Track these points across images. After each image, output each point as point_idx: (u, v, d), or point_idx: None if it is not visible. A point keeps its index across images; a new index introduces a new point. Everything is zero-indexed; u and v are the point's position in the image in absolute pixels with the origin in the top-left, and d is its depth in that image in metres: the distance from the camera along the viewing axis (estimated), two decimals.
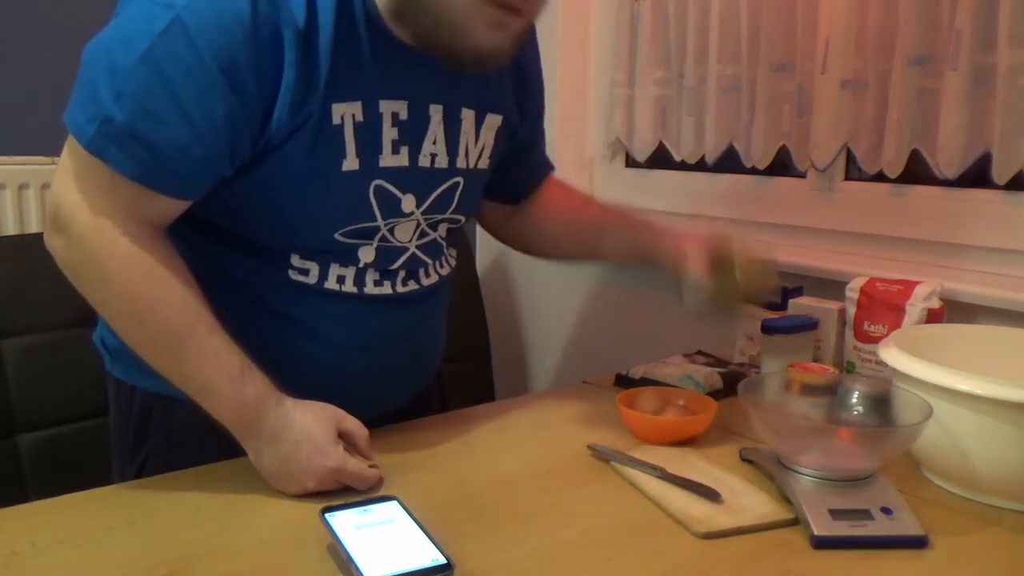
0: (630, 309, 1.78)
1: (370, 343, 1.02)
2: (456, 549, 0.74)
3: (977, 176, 1.31)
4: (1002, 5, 1.21)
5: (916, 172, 1.39)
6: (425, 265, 1.05)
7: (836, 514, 0.81)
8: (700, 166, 1.71)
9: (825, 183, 1.53)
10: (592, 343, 1.88)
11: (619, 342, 1.82)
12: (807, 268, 1.42)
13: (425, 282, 1.05)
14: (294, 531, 0.81)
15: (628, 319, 1.78)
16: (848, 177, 1.52)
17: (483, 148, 1.05)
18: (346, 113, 0.90)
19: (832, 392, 0.95)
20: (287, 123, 0.87)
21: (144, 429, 1.03)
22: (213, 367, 0.87)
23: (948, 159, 1.30)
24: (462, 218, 1.08)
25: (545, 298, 1.94)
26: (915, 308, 1.16)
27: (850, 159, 1.49)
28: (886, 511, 0.81)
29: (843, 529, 0.79)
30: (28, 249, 1.24)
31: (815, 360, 1.24)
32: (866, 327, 1.20)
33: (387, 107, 0.93)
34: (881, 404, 0.92)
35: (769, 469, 0.90)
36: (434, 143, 0.98)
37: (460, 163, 1.02)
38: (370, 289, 1.00)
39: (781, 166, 1.57)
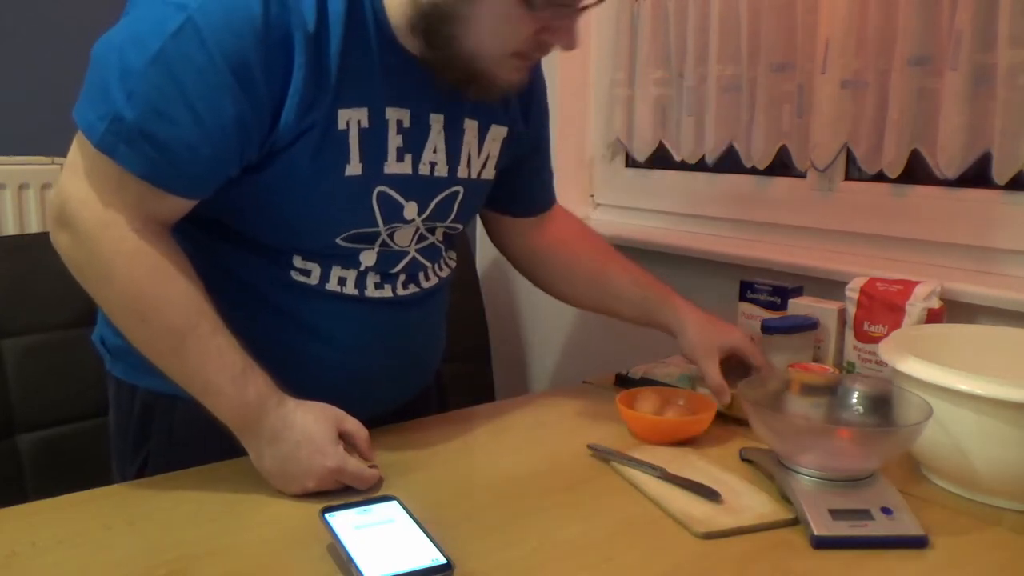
0: None
1: (371, 344, 1.02)
2: (456, 549, 0.74)
3: (977, 176, 1.31)
4: (1002, 5, 1.21)
5: (916, 172, 1.39)
6: (425, 268, 1.05)
7: (836, 514, 0.81)
8: (700, 166, 1.71)
9: (825, 183, 1.53)
10: (592, 343, 1.88)
11: (619, 342, 1.82)
12: (807, 268, 1.42)
13: (425, 285, 1.05)
14: (294, 531, 0.81)
15: None
16: (848, 177, 1.52)
17: (487, 159, 1.06)
18: (352, 119, 0.91)
19: (832, 392, 0.95)
20: (294, 125, 0.87)
21: (145, 429, 1.03)
22: (215, 366, 0.87)
23: (948, 159, 1.30)
24: (460, 226, 1.08)
25: (545, 298, 1.92)
26: (915, 308, 1.16)
27: (850, 159, 1.49)
28: (886, 511, 0.81)
29: (843, 529, 0.79)
30: (28, 249, 1.24)
31: (815, 360, 1.24)
32: (866, 327, 1.20)
33: (392, 114, 0.94)
34: (881, 404, 0.92)
35: (769, 469, 0.90)
36: (434, 152, 0.99)
37: (461, 173, 1.03)
38: (371, 292, 1.00)
39: (781, 166, 1.57)
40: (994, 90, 1.24)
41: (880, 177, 1.43)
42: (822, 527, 0.79)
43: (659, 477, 0.91)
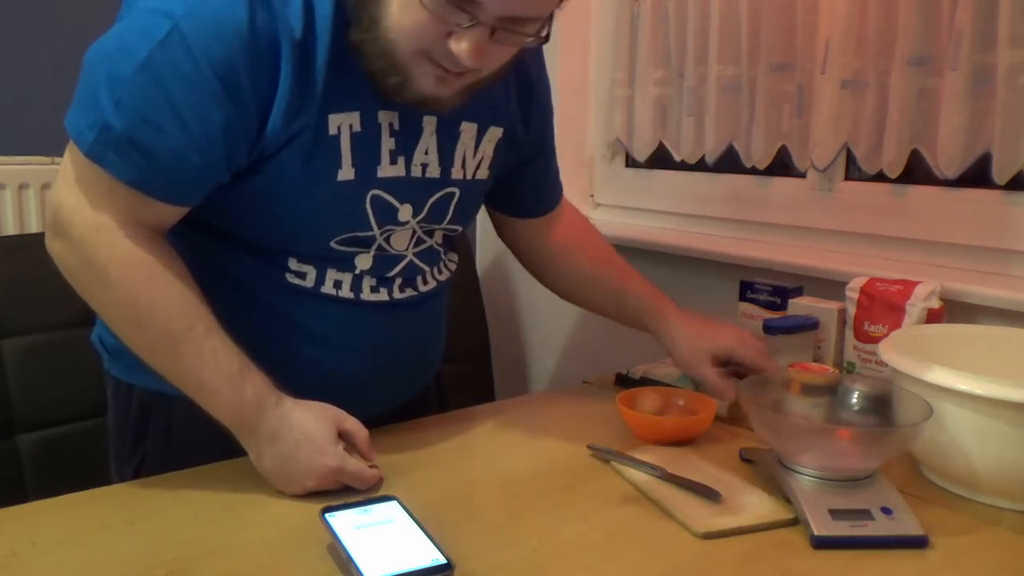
0: None
1: (367, 347, 1.02)
2: (456, 549, 0.74)
3: (977, 176, 1.31)
4: (1002, 5, 1.21)
5: (916, 172, 1.39)
6: (423, 272, 1.05)
7: (836, 514, 0.81)
8: (700, 166, 1.71)
9: (825, 183, 1.53)
10: (592, 343, 1.88)
11: (619, 342, 1.81)
12: (807, 268, 1.42)
13: (423, 288, 1.05)
14: (294, 531, 0.81)
15: None
16: (848, 177, 1.52)
17: (482, 159, 1.05)
18: (343, 124, 0.90)
19: (832, 392, 0.95)
20: (280, 132, 0.87)
21: (143, 428, 1.03)
22: (212, 367, 0.87)
23: (948, 159, 1.30)
24: (458, 228, 1.08)
25: (545, 298, 1.93)
26: (915, 308, 1.16)
27: (850, 159, 1.49)
28: (886, 511, 0.81)
29: (843, 529, 0.79)
30: (28, 249, 1.24)
31: (815, 360, 1.24)
32: (866, 327, 1.20)
33: (385, 117, 0.93)
34: (881, 404, 0.92)
35: (769, 469, 0.90)
36: (425, 153, 0.98)
37: (455, 175, 1.02)
38: (366, 295, 1.00)
39: (781, 166, 1.57)
40: (994, 90, 1.24)
41: (880, 177, 1.43)
42: (822, 527, 0.79)
43: (659, 477, 0.91)
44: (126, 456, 1.05)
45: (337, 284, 0.98)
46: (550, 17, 0.87)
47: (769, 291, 1.31)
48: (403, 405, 1.11)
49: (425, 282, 1.06)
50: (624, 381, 1.27)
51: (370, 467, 0.90)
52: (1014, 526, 0.85)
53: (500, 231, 1.26)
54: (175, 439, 1.01)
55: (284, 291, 0.97)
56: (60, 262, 0.89)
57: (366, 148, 0.93)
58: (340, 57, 0.87)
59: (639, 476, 0.92)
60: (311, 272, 0.97)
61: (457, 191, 1.03)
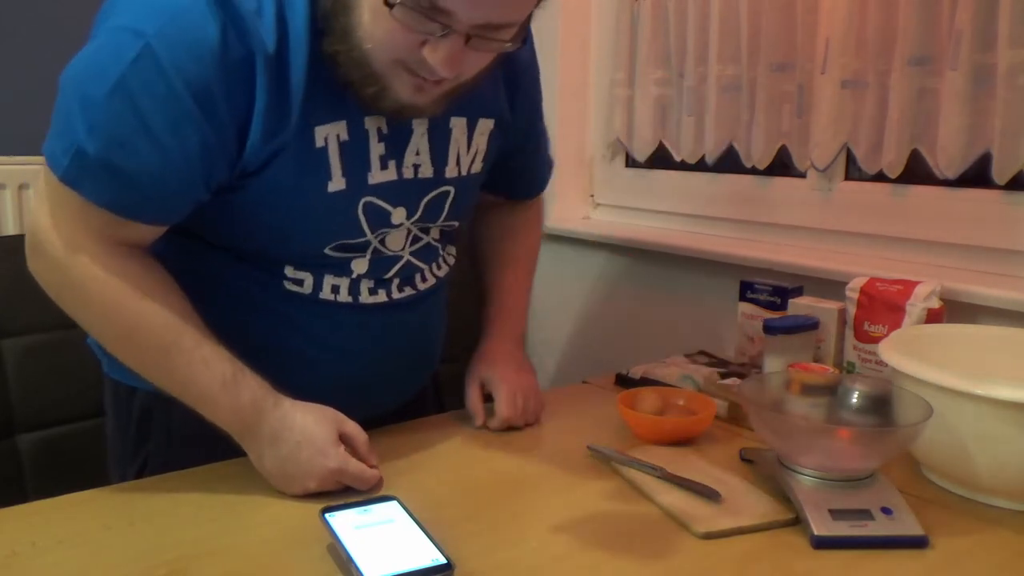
0: (630, 309, 1.78)
1: (369, 347, 1.02)
2: (456, 549, 0.74)
3: (977, 176, 1.31)
4: (1002, 5, 1.21)
5: (916, 172, 1.39)
6: (420, 270, 1.04)
7: (836, 514, 0.81)
8: (700, 166, 1.71)
9: (825, 183, 1.53)
10: (592, 343, 1.88)
11: (619, 342, 1.82)
12: (807, 268, 1.42)
13: (422, 287, 1.05)
14: (294, 531, 0.81)
15: (628, 319, 1.78)
16: (848, 177, 1.52)
17: (476, 153, 1.04)
18: (330, 134, 0.89)
19: (832, 392, 0.95)
20: (261, 148, 0.86)
21: (144, 430, 1.03)
22: (205, 376, 0.87)
23: (948, 159, 1.30)
24: (456, 223, 1.08)
25: (545, 298, 1.94)
26: (915, 308, 1.16)
27: (850, 159, 1.49)
28: (886, 511, 0.81)
29: (843, 529, 0.79)
30: None
31: (815, 360, 1.24)
32: (866, 327, 1.20)
33: (371, 123, 0.92)
34: (881, 404, 0.92)
35: (769, 469, 0.90)
36: (417, 154, 0.97)
37: (450, 172, 1.01)
38: (365, 298, 0.99)
39: (781, 166, 1.57)
40: (994, 90, 1.24)
41: (880, 177, 1.43)
42: (822, 527, 0.79)
43: (659, 477, 0.91)
44: (128, 458, 1.05)
45: (335, 289, 0.98)
46: (527, 20, 0.85)
47: (769, 291, 1.31)
48: (401, 405, 1.11)
49: (424, 279, 1.05)
50: (624, 381, 1.27)
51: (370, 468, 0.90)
52: (1014, 526, 0.85)
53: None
54: (177, 440, 1.01)
55: (282, 298, 0.96)
56: (41, 282, 0.89)
57: (355, 156, 0.92)
58: (319, 68, 0.86)
59: (639, 476, 0.92)
60: (308, 279, 0.96)
61: (452, 189, 1.02)
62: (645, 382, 1.23)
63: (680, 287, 1.67)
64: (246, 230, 0.93)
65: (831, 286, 1.34)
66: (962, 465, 0.88)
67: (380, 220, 0.96)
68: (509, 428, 1.07)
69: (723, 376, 1.22)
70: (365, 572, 0.70)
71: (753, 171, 1.60)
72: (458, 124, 1.01)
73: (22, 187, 1.71)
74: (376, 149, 0.93)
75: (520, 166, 1.18)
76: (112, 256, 0.86)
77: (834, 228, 1.51)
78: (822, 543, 0.79)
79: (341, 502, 0.81)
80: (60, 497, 0.88)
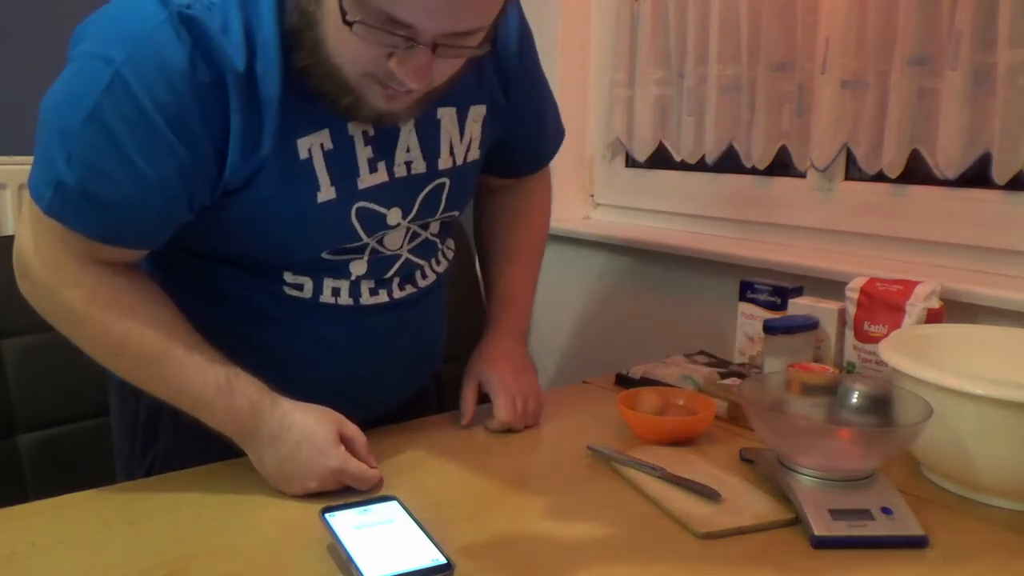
0: (630, 309, 1.78)
1: (372, 348, 1.02)
2: (456, 549, 0.74)
3: (977, 176, 1.31)
4: (1002, 5, 1.21)
5: (916, 172, 1.39)
6: (420, 268, 1.04)
7: (836, 514, 0.81)
8: (700, 166, 1.71)
9: (825, 183, 1.53)
10: (592, 343, 1.88)
11: (619, 342, 1.82)
12: (807, 268, 1.42)
13: (422, 284, 1.05)
14: (294, 531, 0.81)
15: (628, 319, 1.78)
16: (848, 177, 1.52)
17: (470, 141, 1.03)
18: (313, 145, 0.89)
19: (832, 392, 0.95)
20: (241, 166, 0.85)
21: (152, 431, 1.03)
22: (199, 383, 0.87)
23: (948, 159, 1.30)
24: (455, 213, 1.07)
25: (545, 298, 1.94)
26: (915, 308, 1.16)
27: (850, 159, 1.49)
28: (886, 511, 0.81)
29: (843, 529, 0.79)
30: None
31: (815, 360, 1.24)
32: (866, 327, 1.20)
33: (356, 128, 0.91)
34: (881, 404, 0.92)
35: (769, 469, 0.90)
36: (407, 151, 0.96)
37: (443, 164, 1.00)
38: (366, 299, 0.99)
39: (781, 166, 1.57)
40: (994, 90, 1.24)
41: (880, 177, 1.43)
42: (822, 527, 0.79)
43: (659, 477, 0.91)
44: (136, 459, 1.05)
45: (336, 292, 0.97)
46: (494, 24, 0.83)
47: (769, 291, 1.31)
48: (402, 405, 1.11)
49: (424, 276, 1.05)
50: (624, 381, 1.27)
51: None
52: (1014, 526, 0.85)
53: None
54: (186, 440, 1.00)
55: (283, 303, 0.96)
56: (31, 302, 0.90)
57: (342, 163, 0.91)
58: (293, 81, 0.85)
59: (639, 476, 0.92)
60: (308, 283, 0.96)
61: (448, 180, 1.02)
62: (645, 382, 1.23)
63: (680, 287, 1.67)
64: (238, 244, 0.93)
65: (831, 286, 1.34)
66: (962, 465, 0.88)
67: (375, 223, 0.96)
68: (508, 430, 1.07)
69: (723, 376, 1.22)
70: (365, 572, 0.70)
71: (753, 171, 1.60)
72: (447, 114, 0.99)
73: (22, 187, 1.71)
74: (363, 153, 0.93)
75: (524, 141, 1.15)
76: (96, 276, 0.87)
77: (834, 228, 1.51)
78: (822, 543, 0.79)
79: (341, 502, 0.81)
80: (60, 497, 0.88)
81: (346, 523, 0.77)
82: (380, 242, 0.98)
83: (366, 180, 0.94)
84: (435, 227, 1.05)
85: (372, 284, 0.99)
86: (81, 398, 1.25)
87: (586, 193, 1.96)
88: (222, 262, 0.95)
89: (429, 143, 0.98)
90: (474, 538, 0.80)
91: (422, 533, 0.76)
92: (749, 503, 0.86)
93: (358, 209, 0.94)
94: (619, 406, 1.06)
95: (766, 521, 0.83)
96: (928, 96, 1.33)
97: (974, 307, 1.23)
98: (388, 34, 0.77)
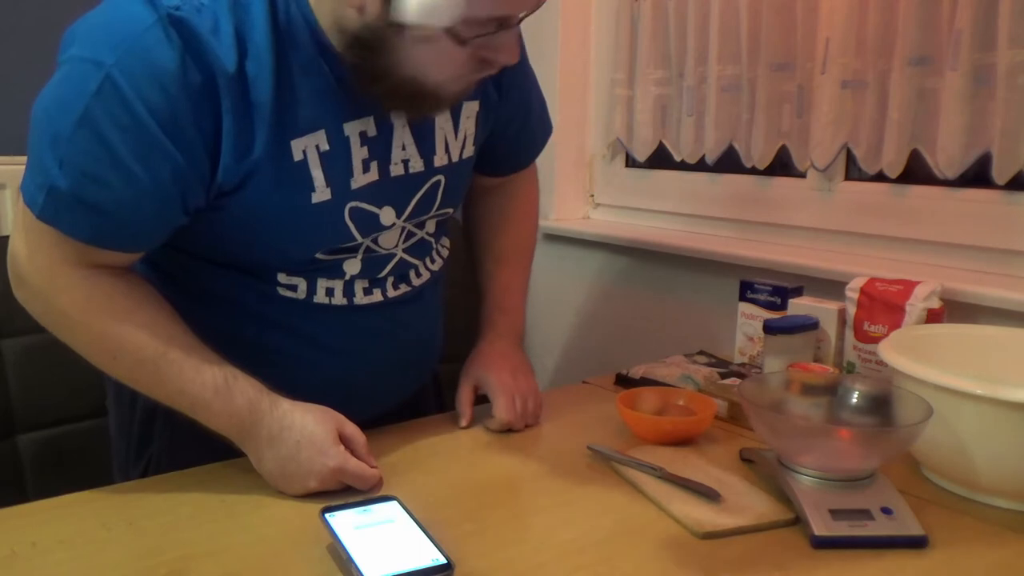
0: (630, 309, 1.78)
1: (367, 348, 1.02)
2: (456, 549, 0.74)
3: (977, 176, 1.31)
4: (1002, 5, 1.21)
5: (916, 172, 1.39)
6: (415, 267, 1.04)
7: (836, 514, 0.81)
8: (700, 166, 1.71)
9: (825, 183, 1.53)
10: (592, 343, 1.88)
11: (619, 342, 1.82)
12: (807, 268, 1.42)
13: (416, 282, 1.05)
14: (294, 531, 0.81)
15: (628, 319, 1.78)
16: (848, 177, 1.52)
17: (465, 138, 1.03)
18: (308, 146, 0.89)
19: (832, 392, 0.95)
20: (234, 168, 0.85)
21: (148, 432, 1.03)
22: (196, 385, 0.87)
23: (948, 159, 1.30)
24: (450, 210, 1.07)
25: (545, 298, 1.94)
26: (915, 308, 1.16)
27: (850, 159, 1.49)
28: (886, 511, 0.81)
29: (843, 529, 0.79)
30: None
31: (815, 360, 1.24)
32: (866, 327, 1.20)
33: (353, 128, 0.91)
34: (881, 404, 0.92)
35: (769, 469, 0.90)
36: (403, 149, 0.96)
37: (439, 161, 1.00)
38: (360, 299, 0.99)
39: (781, 166, 1.57)
40: (994, 90, 1.24)
41: (880, 177, 1.43)
42: (822, 527, 0.79)
43: (659, 477, 0.91)
44: (132, 459, 1.05)
45: (329, 292, 0.97)
46: None
47: (769, 291, 1.31)
48: (401, 405, 1.11)
49: (418, 275, 1.05)
50: (624, 381, 1.27)
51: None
52: (1014, 526, 0.85)
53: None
54: (182, 441, 1.01)
55: (276, 304, 0.96)
56: (27, 308, 0.90)
57: (338, 164, 0.91)
58: (288, 80, 0.85)
59: (639, 476, 0.92)
60: (301, 284, 0.96)
61: (443, 177, 1.02)
62: (645, 382, 1.23)
63: (680, 287, 1.67)
64: (232, 245, 0.93)
65: (831, 286, 1.34)
66: (962, 465, 0.88)
67: (369, 224, 0.96)
68: (508, 430, 1.07)
69: (723, 376, 1.22)
70: (365, 572, 0.70)
71: (753, 171, 1.60)
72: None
73: None
74: (359, 154, 0.93)
75: (512, 138, 1.15)
76: (90, 280, 0.87)
77: (834, 228, 1.51)
78: (822, 543, 0.79)
79: (341, 502, 0.81)
80: (60, 497, 0.88)
81: (346, 523, 0.77)
82: (375, 241, 0.98)
83: (359, 180, 0.94)
84: (431, 226, 1.05)
85: (366, 284, 0.99)
86: (81, 398, 1.25)
87: (586, 193, 1.96)
88: (216, 263, 0.95)
89: (424, 141, 0.98)
90: (474, 538, 0.80)
91: (422, 533, 0.76)
92: (749, 503, 0.86)
93: (351, 209, 0.94)
94: (619, 406, 1.06)
95: (766, 521, 0.83)
96: (928, 96, 1.33)
97: (974, 307, 1.23)
98: (494, 35, 0.81)
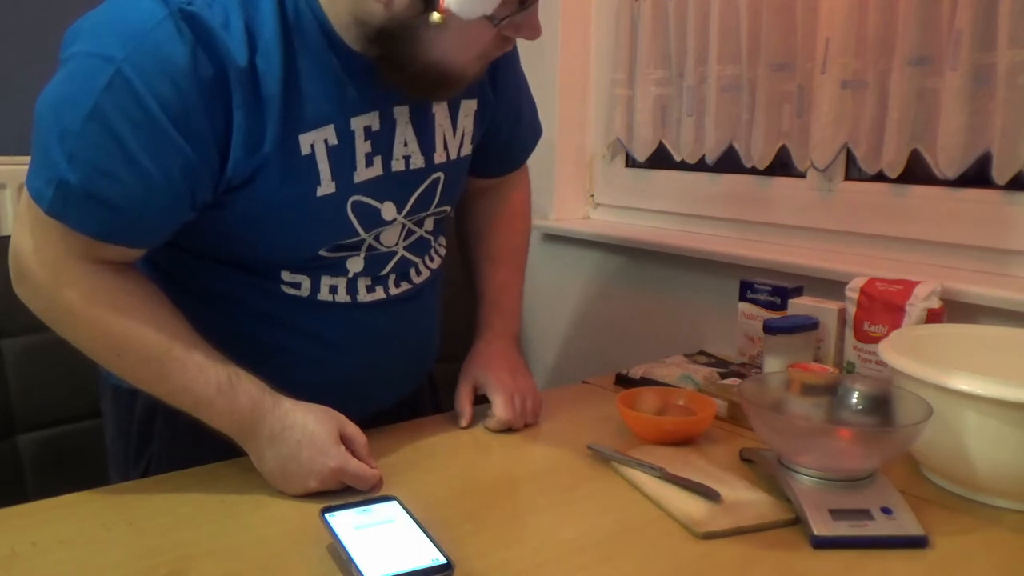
0: (630, 309, 1.78)
1: (369, 344, 1.02)
2: (456, 549, 0.74)
3: (977, 176, 1.31)
4: (1002, 5, 1.21)
5: (916, 172, 1.39)
6: (415, 264, 1.05)
7: (836, 514, 0.81)
8: (700, 166, 1.71)
9: (825, 183, 1.53)
10: (592, 343, 1.88)
11: (619, 342, 1.82)
12: (807, 268, 1.42)
13: (417, 280, 1.05)
14: (294, 531, 0.81)
15: (628, 319, 1.78)
16: (848, 177, 1.52)
17: (463, 136, 1.04)
18: (316, 140, 0.89)
19: (832, 392, 0.95)
20: (243, 162, 0.85)
21: (148, 432, 1.03)
22: (200, 383, 0.87)
23: (948, 159, 1.30)
24: (447, 207, 1.07)
25: (545, 298, 1.94)
26: (915, 308, 1.16)
27: (850, 159, 1.49)
28: (886, 511, 0.81)
29: (843, 529, 0.79)
30: None
31: (815, 360, 1.24)
32: (866, 327, 1.20)
33: (359, 123, 0.92)
34: (881, 404, 0.92)
35: (769, 469, 0.90)
36: (405, 145, 0.97)
37: (439, 158, 1.01)
38: (363, 296, 1.00)
39: (781, 166, 1.57)
40: (994, 90, 1.24)
41: (880, 177, 1.43)
42: (822, 527, 0.79)
43: (659, 477, 0.91)
44: (131, 460, 1.05)
45: (333, 289, 0.98)
46: None
47: (769, 291, 1.31)
48: (400, 404, 1.11)
49: (419, 273, 1.06)
50: (624, 381, 1.27)
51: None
52: (1014, 526, 0.85)
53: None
54: (183, 439, 1.01)
55: (280, 301, 0.96)
56: (29, 305, 0.89)
57: (343, 158, 0.92)
58: (297, 74, 0.86)
59: (639, 476, 0.92)
60: (305, 281, 0.96)
61: (442, 175, 1.02)
62: (645, 382, 1.23)
63: (680, 287, 1.67)
64: (237, 241, 0.93)
65: (831, 286, 1.34)
66: (962, 465, 0.88)
67: (371, 218, 0.96)
68: (508, 429, 1.07)
69: (723, 376, 1.22)
70: (365, 572, 0.70)
71: (753, 171, 1.60)
72: (440, 109, 1.00)
73: (23, 187, 1.71)
74: (362, 148, 0.93)
75: (503, 139, 1.16)
76: (95, 276, 0.87)
77: (834, 228, 1.51)
78: (822, 543, 0.79)
79: (341, 502, 0.81)
80: (60, 497, 0.88)
81: (346, 523, 0.77)
82: (377, 239, 0.98)
83: (362, 174, 0.94)
84: (429, 224, 1.05)
85: (369, 281, 1.00)
86: (81, 398, 1.25)
87: (586, 193, 1.96)
88: (218, 262, 0.96)
89: (424, 137, 0.99)
90: (474, 538, 0.80)
91: (422, 533, 0.76)
92: (749, 503, 0.86)
93: (354, 203, 0.94)
94: (619, 406, 1.06)
95: (766, 521, 0.83)
96: (928, 96, 1.32)
97: (974, 307, 1.23)
98: (517, 13, 0.83)
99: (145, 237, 0.89)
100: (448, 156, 1.02)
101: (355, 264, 0.98)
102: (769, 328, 1.22)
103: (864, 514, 0.81)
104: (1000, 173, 1.25)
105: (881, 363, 1.01)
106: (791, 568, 0.76)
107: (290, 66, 0.85)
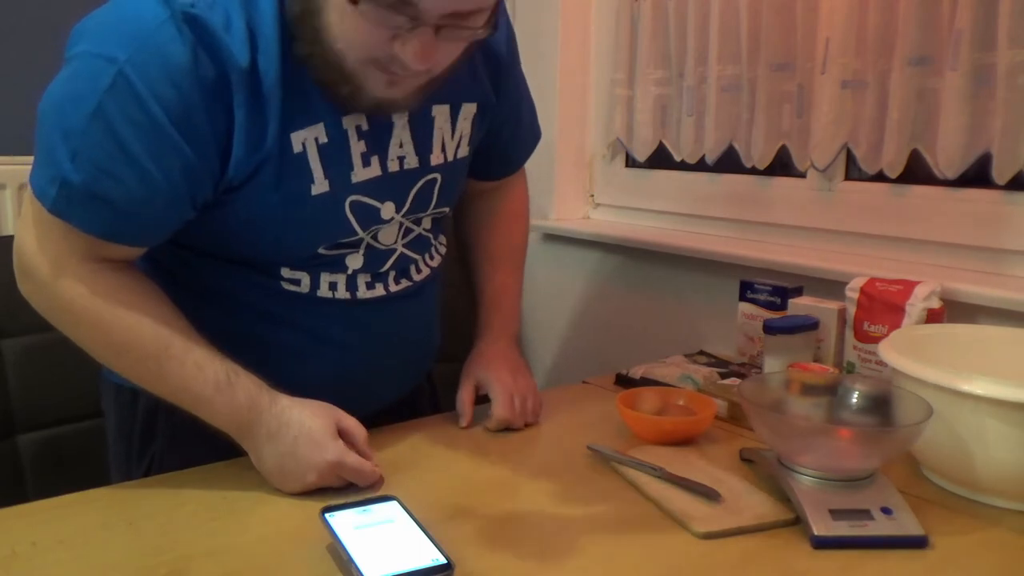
0: (630, 309, 1.78)
1: (369, 341, 1.02)
2: (456, 549, 0.74)
3: (977, 176, 1.31)
4: (1002, 5, 1.21)
5: (916, 172, 1.39)
6: (415, 262, 1.05)
7: (836, 514, 0.81)
8: (700, 166, 1.71)
9: (825, 183, 1.53)
10: (592, 343, 1.88)
11: (619, 342, 1.82)
12: (807, 268, 1.42)
13: (417, 278, 1.05)
14: (294, 531, 0.81)
15: (628, 319, 1.78)
16: (848, 177, 1.52)
17: (461, 138, 1.04)
18: (307, 139, 0.89)
19: (832, 392, 0.95)
20: (245, 162, 0.86)
21: (150, 431, 1.03)
22: (199, 380, 0.88)
23: (948, 159, 1.30)
24: (446, 208, 1.07)
25: (545, 298, 1.94)
26: (915, 308, 1.16)
27: (850, 159, 1.49)
28: (886, 511, 0.81)
29: (843, 529, 0.79)
30: None
31: (815, 360, 1.24)
32: (866, 327, 1.20)
33: (350, 121, 0.92)
34: (881, 404, 0.92)
35: (769, 469, 0.90)
36: (400, 146, 0.97)
37: (435, 160, 1.01)
38: (363, 293, 1.00)
39: (781, 166, 1.57)
40: (994, 90, 1.24)
41: (880, 177, 1.43)
42: (822, 527, 0.80)
43: (659, 477, 0.91)
44: (134, 459, 1.05)
45: (332, 286, 0.98)
46: (496, 6, 0.84)
47: (769, 291, 1.31)
48: (399, 403, 1.12)
49: (419, 271, 1.06)
50: (624, 381, 1.27)
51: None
52: (1014, 526, 0.85)
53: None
54: (184, 437, 1.01)
55: (280, 298, 0.97)
56: (31, 302, 0.90)
57: (336, 157, 0.92)
58: (291, 75, 0.86)
59: (639, 476, 0.92)
60: (305, 278, 0.97)
61: (439, 176, 1.02)
62: (645, 382, 1.23)
63: (680, 287, 1.67)
64: (236, 240, 0.93)
65: (831, 286, 1.34)
66: (962, 465, 0.88)
67: (370, 217, 0.97)
68: (508, 429, 1.07)
69: (723, 376, 1.22)
70: (365, 572, 0.70)
71: (753, 171, 1.60)
72: (440, 112, 1.00)
73: (22, 187, 1.71)
74: (357, 147, 0.93)
75: (502, 142, 1.16)
76: (97, 274, 0.87)
77: (834, 228, 1.51)
78: (822, 543, 0.79)
79: (341, 502, 0.81)
80: (60, 497, 0.88)
81: (346, 523, 0.77)
82: (375, 237, 0.99)
83: (360, 174, 0.94)
84: (427, 223, 1.05)
85: (368, 278, 1.00)
86: (81, 398, 1.25)
87: (586, 193, 1.96)
88: (218, 259, 0.96)
89: (421, 139, 0.99)
90: (474, 538, 0.80)
91: (422, 533, 0.76)
92: (749, 503, 0.86)
93: (352, 203, 0.94)
94: (619, 406, 1.06)
95: (766, 521, 0.83)
96: (928, 96, 1.32)
97: (974, 307, 1.23)
98: (394, 13, 0.78)
99: (146, 236, 0.89)
100: (445, 158, 1.02)
101: (354, 261, 0.98)
102: (769, 328, 1.22)
103: (864, 514, 0.81)
104: (1000, 173, 1.25)
105: (881, 363, 1.01)
106: (791, 568, 0.76)
107: (287, 65, 0.85)
